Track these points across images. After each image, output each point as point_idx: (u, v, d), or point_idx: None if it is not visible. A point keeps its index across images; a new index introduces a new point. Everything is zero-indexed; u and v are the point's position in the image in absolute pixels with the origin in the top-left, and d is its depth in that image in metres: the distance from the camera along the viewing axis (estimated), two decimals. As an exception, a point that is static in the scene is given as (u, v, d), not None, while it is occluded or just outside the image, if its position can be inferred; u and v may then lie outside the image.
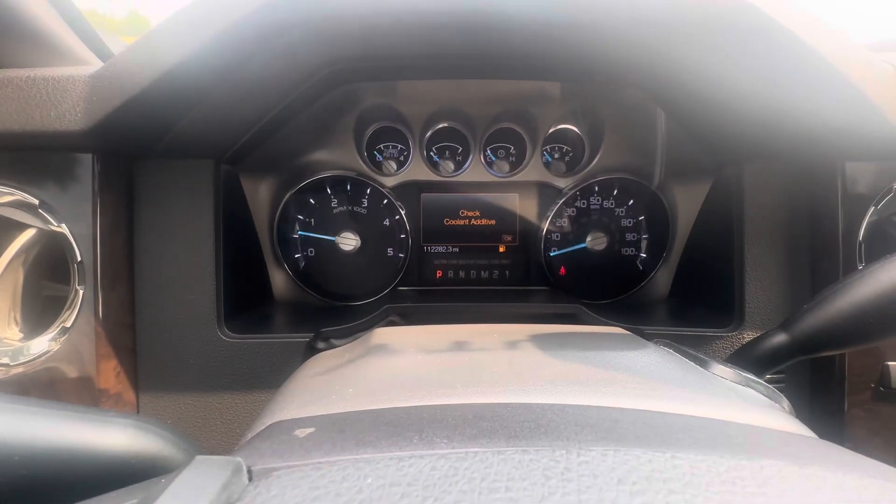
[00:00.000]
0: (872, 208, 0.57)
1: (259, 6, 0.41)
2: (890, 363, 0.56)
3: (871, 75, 0.49)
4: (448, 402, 0.27)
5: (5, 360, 0.52)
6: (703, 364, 0.39)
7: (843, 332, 0.39)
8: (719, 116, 0.57)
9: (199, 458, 0.19)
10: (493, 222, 0.78)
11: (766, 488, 0.18)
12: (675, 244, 0.76)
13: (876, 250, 0.57)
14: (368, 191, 0.75)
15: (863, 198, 0.56)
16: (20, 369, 0.51)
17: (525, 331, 0.43)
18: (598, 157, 0.73)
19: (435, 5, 0.41)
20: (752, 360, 0.43)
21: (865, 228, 0.57)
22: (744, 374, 0.37)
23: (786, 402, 0.36)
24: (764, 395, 0.36)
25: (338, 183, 0.74)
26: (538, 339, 0.41)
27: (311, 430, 0.24)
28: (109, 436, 0.27)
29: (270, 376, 0.57)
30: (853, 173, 0.56)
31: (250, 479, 0.18)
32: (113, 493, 0.21)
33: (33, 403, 0.26)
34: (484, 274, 0.79)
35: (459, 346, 0.39)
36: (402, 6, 0.41)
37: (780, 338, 0.42)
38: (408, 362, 0.35)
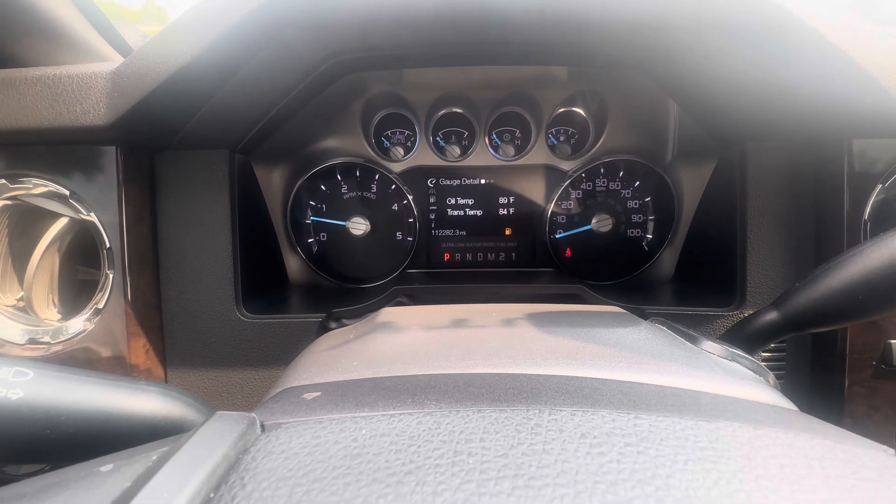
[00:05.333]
0: (880, 186, 0.56)
1: (261, 4, 0.43)
2: (892, 341, 0.56)
3: (875, 51, 0.48)
4: (442, 372, 0.29)
5: (46, 339, 0.56)
6: (692, 340, 0.40)
7: (832, 310, 0.40)
8: (722, 97, 0.57)
9: (220, 413, 0.22)
10: (499, 205, 0.79)
11: (717, 444, 0.19)
12: (680, 225, 0.76)
13: (882, 229, 0.56)
14: (377, 176, 0.77)
15: (870, 175, 0.56)
16: (59, 347, 0.56)
17: (524, 310, 0.46)
18: (602, 139, 0.74)
19: (428, 4, 0.42)
20: (745, 338, 0.45)
21: (872, 206, 0.56)
22: (732, 349, 0.39)
23: (771, 377, 0.38)
24: (749, 369, 0.37)
25: (347, 169, 0.76)
26: (535, 318, 0.43)
27: (318, 394, 0.26)
28: (141, 401, 0.31)
29: (285, 353, 0.61)
30: (860, 150, 0.56)
31: (262, 431, 0.21)
32: (147, 445, 0.24)
33: (79, 373, 0.29)
34: (490, 256, 0.80)
35: (459, 323, 0.42)
36: (398, 4, 0.43)
37: (771, 315, 0.43)
38: (409, 338, 0.38)
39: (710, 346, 0.39)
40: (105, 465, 0.20)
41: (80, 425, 0.28)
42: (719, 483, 0.17)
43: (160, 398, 0.32)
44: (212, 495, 0.16)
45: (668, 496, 0.15)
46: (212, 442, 0.19)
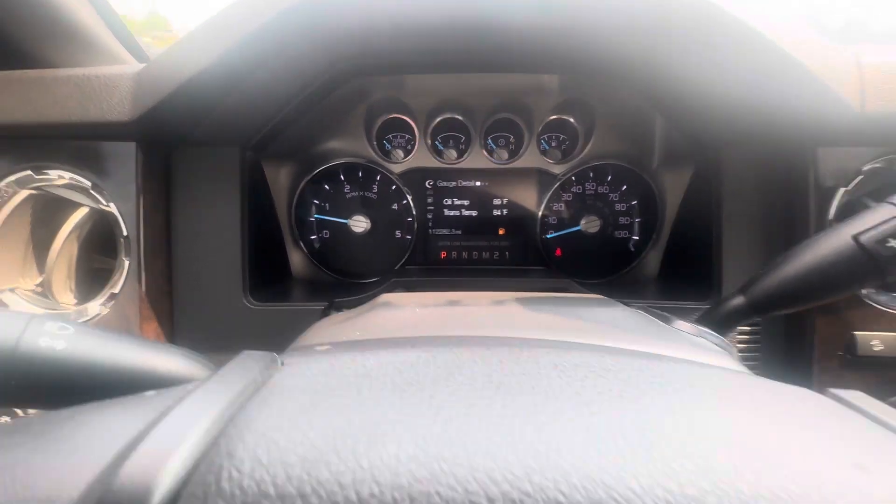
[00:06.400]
0: (843, 190, 0.61)
1: (270, 18, 0.48)
2: (857, 333, 0.60)
3: (833, 66, 0.53)
4: (438, 334, 0.33)
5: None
6: (665, 320, 0.44)
7: (790, 294, 0.44)
8: (695, 105, 0.62)
9: (245, 352, 0.26)
10: (493, 207, 0.84)
11: (661, 377, 0.23)
12: (664, 227, 0.81)
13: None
14: (378, 177, 0.81)
15: (834, 180, 0.61)
16: (77, 329, 0.59)
17: (513, 295, 0.50)
18: (590, 145, 0.78)
19: (428, 15, 0.47)
20: (716, 322, 0.49)
21: (836, 209, 0.61)
22: (700, 328, 0.43)
23: (734, 351, 0.42)
24: (714, 343, 0.41)
25: (350, 170, 0.81)
26: (521, 300, 0.47)
27: (328, 346, 0.30)
28: (167, 359, 0.34)
29: (288, 339, 0.64)
30: (825, 158, 0.60)
31: (282, 365, 0.24)
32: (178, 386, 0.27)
33: (112, 333, 0.33)
34: (485, 255, 0.85)
35: (452, 303, 0.46)
36: (399, 15, 0.48)
37: (737, 300, 0.47)
38: (407, 314, 0.42)
39: (681, 325, 0.43)
40: (149, 392, 0.24)
41: (112, 376, 0.32)
42: (660, 394, 0.21)
43: (184, 359, 0.35)
44: (241, 410, 0.20)
45: (618, 399, 0.19)
46: (240, 371, 0.23)
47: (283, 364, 0.25)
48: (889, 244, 0.40)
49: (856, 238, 0.41)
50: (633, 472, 0.15)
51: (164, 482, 0.15)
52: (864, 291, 0.60)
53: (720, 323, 0.48)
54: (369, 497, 0.15)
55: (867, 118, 0.55)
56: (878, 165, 0.59)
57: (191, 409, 0.19)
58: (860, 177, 0.60)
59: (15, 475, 0.18)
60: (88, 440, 0.20)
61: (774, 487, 0.15)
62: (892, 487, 0.16)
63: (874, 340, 0.59)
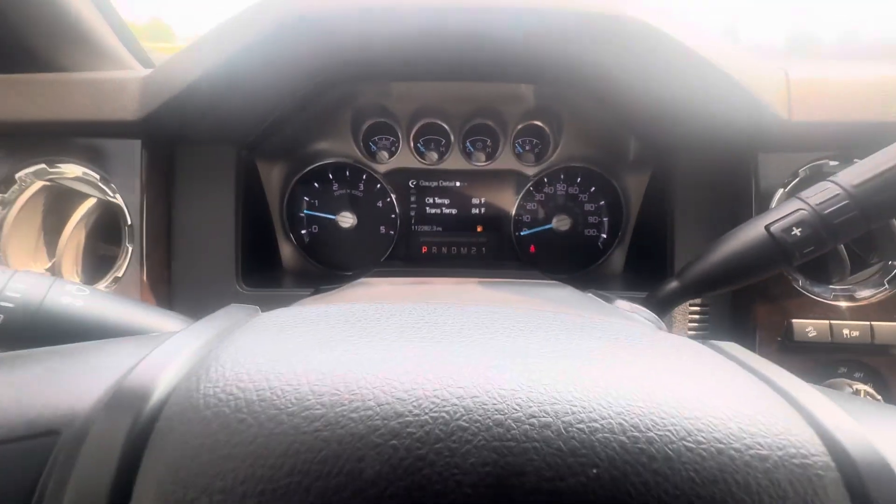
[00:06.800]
0: (781, 191, 0.67)
1: (265, 33, 0.55)
2: (794, 320, 0.66)
3: (763, 80, 0.60)
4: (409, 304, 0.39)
5: (71, 302, 0.65)
6: (608, 300, 0.50)
7: (714, 278, 0.50)
8: (647, 116, 0.69)
9: (232, 305, 0.32)
10: (471, 205, 0.90)
11: (575, 327, 0.29)
12: (628, 226, 0.87)
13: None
14: (364, 176, 0.87)
15: (773, 182, 0.67)
16: (82, 309, 0.65)
17: (476, 280, 0.56)
18: (559, 149, 0.85)
19: (412, 31, 0.54)
20: (655, 303, 0.55)
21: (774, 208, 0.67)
22: (635, 305, 0.49)
23: (662, 325, 0.48)
24: (646, 318, 0.48)
25: (338, 169, 0.87)
26: (483, 283, 0.53)
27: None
28: (168, 321, 0.40)
29: None
30: (764, 162, 0.67)
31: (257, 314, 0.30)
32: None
33: (123, 297, 0.39)
34: (463, 250, 0.91)
35: (420, 283, 0.52)
36: (385, 31, 0.55)
37: (673, 284, 0.53)
38: (377, 290, 0.48)
39: (620, 303, 0.49)
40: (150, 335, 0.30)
41: (120, 330, 0.37)
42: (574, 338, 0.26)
43: (180, 320, 0.41)
44: (222, 339, 0.25)
45: (544, 337, 0.25)
46: (225, 315, 0.29)
47: (257, 313, 0.30)
48: (793, 232, 0.46)
49: (767, 228, 0.47)
50: (526, 379, 0.20)
51: (160, 387, 0.21)
52: (800, 283, 0.66)
53: (659, 304, 0.54)
54: (312, 393, 0.20)
55: (795, 126, 0.62)
56: (809, 168, 0.66)
57: (183, 337, 0.25)
58: (796, 179, 0.67)
59: (42, 385, 0.24)
60: (100, 361, 0.26)
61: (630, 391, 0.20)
62: (715, 396, 0.21)
63: (809, 327, 0.65)
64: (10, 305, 0.34)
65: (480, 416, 0.18)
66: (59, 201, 0.69)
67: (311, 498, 0.17)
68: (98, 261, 0.72)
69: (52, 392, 0.22)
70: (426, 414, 0.18)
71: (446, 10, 0.53)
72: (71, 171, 0.66)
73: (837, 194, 0.44)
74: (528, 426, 0.18)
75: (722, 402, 0.20)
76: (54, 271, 0.67)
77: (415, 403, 0.18)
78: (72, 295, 0.36)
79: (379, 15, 0.53)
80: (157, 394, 0.20)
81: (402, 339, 0.24)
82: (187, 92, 0.60)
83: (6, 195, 0.65)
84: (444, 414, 0.18)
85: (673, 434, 0.18)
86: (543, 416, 0.18)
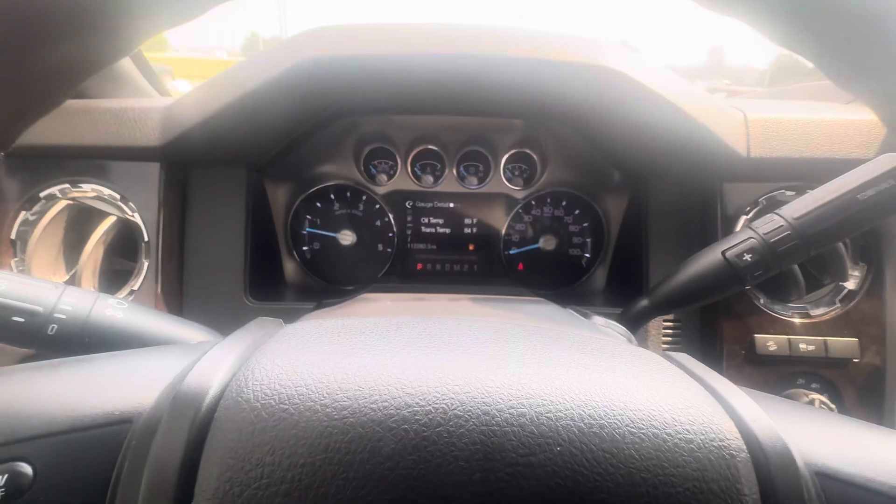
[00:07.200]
0: (743, 218, 0.74)
1: (279, 74, 0.61)
2: (756, 335, 0.73)
3: (725, 121, 0.68)
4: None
5: (88, 313, 0.70)
6: (586, 316, 0.56)
7: (679, 297, 0.57)
8: (623, 148, 0.76)
9: (259, 318, 0.37)
10: (464, 225, 0.96)
11: (554, 339, 0.35)
12: (609, 246, 0.94)
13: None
14: (364, 197, 0.93)
15: (736, 210, 0.74)
16: (99, 320, 0.69)
17: (468, 295, 0.61)
18: (546, 175, 0.92)
19: (411, 75, 0.61)
20: (628, 319, 0.61)
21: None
22: (610, 321, 0.55)
23: (633, 338, 0.54)
24: (618, 332, 0.54)
25: (340, 190, 0.93)
26: (474, 299, 0.59)
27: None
28: (193, 331, 0.45)
29: None
30: (728, 191, 0.74)
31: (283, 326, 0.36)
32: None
33: (158, 311, 0.44)
34: (456, 267, 0.97)
35: (418, 298, 0.57)
36: (388, 74, 0.61)
37: (644, 302, 0.60)
38: (380, 305, 0.53)
39: (596, 319, 0.55)
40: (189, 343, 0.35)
41: (156, 339, 0.43)
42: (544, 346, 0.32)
43: (206, 332, 0.46)
44: (257, 348, 0.30)
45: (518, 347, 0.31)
46: (256, 327, 0.34)
47: (283, 326, 0.36)
48: (744, 258, 0.53)
49: (723, 253, 0.54)
50: (508, 381, 0.26)
51: (214, 386, 0.26)
52: (761, 301, 0.73)
53: (632, 320, 0.61)
54: (340, 389, 0.25)
55: (754, 161, 0.69)
56: (767, 198, 0.73)
57: (227, 346, 0.30)
58: (757, 207, 0.74)
59: (112, 382, 0.29)
60: (156, 364, 0.31)
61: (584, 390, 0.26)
62: (656, 393, 0.25)
63: (770, 342, 0.71)
64: (64, 317, 0.39)
65: (471, 407, 0.24)
66: (79, 218, 0.74)
67: (341, 469, 0.22)
68: (112, 275, 0.77)
69: (123, 388, 0.28)
70: (429, 405, 0.24)
71: (447, 59, 0.60)
72: (92, 190, 0.71)
73: (781, 225, 0.51)
74: (508, 415, 0.24)
75: (661, 398, 0.26)
76: (74, 283, 0.71)
77: (420, 397, 0.24)
78: (114, 308, 0.41)
79: (387, 61, 0.59)
80: (212, 391, 0.25)
81: (408, 347, 0.29)
82: (206, 122, 0.66)
83: (31, 212, 0.70)
84: (443, 405, 0.24)
85: (619, 422, 0.24)
86: (520, 407, 0.24)
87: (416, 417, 0.23)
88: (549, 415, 0.24)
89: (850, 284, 0.71)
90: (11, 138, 0.25)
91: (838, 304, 0.72)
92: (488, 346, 0.30)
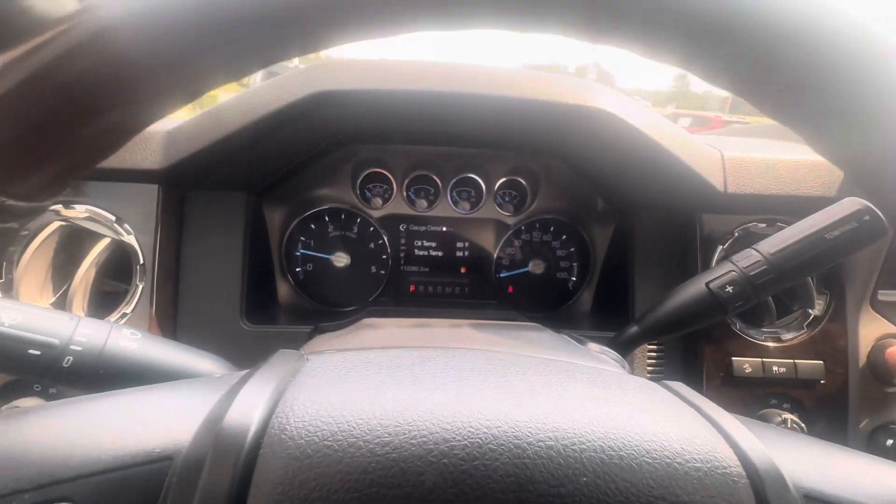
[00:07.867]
0: (720, 247, 0.80)
1: (283, 106, 0.63)
2: (733, 358, 0.77)
3: (703, 158, 0.73)
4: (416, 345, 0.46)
5: (78, 337, 0.68)
6: (580, 342, 0.59)
7: (667, 324, 0.61)
8: (609, 181, 0.81)
9: (281, 350, 0.38)
10: (456, 249, 0.99)
11: (556, 370, 0.37)
12: (595, 271, 0.98)
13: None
14: (359, 220, 0.95)
15: (714, 240, 0.79)
16: (89, 344, 0.68)
17: (467, 321, 0.64)
18: (536, 202, 0.96)
19: (410, 111, 0.64)
20: (619, 344, 0.64)
21: (715, 261, 0.79)
22: (604, 348, 0.58)
23: (626, 365, 0.57)
24: (612, 358, 0.56)
25: (335, 213, 0.94)
26: (474, 325, 0.61)
27: (334, 350, 0.43)
28: (205, 361, 0.46)
29: None
30: (707, 222, 0.80)
31: (307, 360, 0.37)
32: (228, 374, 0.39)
33: (168, 341, 0.44)
34: (448, 290, 0.99)
35: (422, 325, 0.59)
36: (387, 108, 0.64)
37: (633, 329, 0.63)
38: (387, 332, 0.55)
39: (591, 346, 0.58)
40: (217, 374, 0.36)
41: (168, 369, 0.43)
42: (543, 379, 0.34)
43: (216, 362, 0.47)
44: (289, 384, 0.32)
45: (517, 380, 0.33)
46: (281, 361, 0.35)
47: (307, 359, 0.37)
48: (726, 290, 0.57)
49: (707, 285, 0.58)
50: (513, 412, 0.28)
51: (255, 423, 0.27)
52: (738, 326, 0.78)
53: (623, 345, 0.64)
54: (380, 426, 0.27)
55: (730, 196, 0.75)
56: (741, 230, 0.79)
57: (258, 382, 0.31)
58: (732, 238, 0.80)
59: (147, 419, 0.29)
60: (187, 399, 0.31)
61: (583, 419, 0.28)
62: (666, 425, 0.28)
63: (745, 364, 0.76)
64: (80, 349, 0.39)
65: (504, 441, 0.26)
66: (70, 239, 0.73)
67: (387, 503, 0.24)
68: (102, 296, 0.75)
69: (160, 425, 0.28)
70: (466, 440, 0.26)
71: (445, 96, 0.64)
72: (86, 211, 0.70)
73: (759, 260, 0.56)
74: (537, 447, 0.26)
75: (669, 428, 0.29)
76: (63, 306, 0.70)
77: (457, 432, 0.26)
78: (127, 338, 0.42)
79: (393, 96, 0.62)
80: (254, 428, 0.26)
81: (436, 381, 0.31)
82: (211, 147, 0.66)
83: (22, 234, 0.68)
84: (478, 439, 0.26)
85: (636, 452, 0.27)
86: (548, 441, 0.26)
87: (455, 452, 0.25)
88: (573, 447, 0.26)
89: (816, 311, 0.77)
90: (44, 200, 0.26)
91: (805, 329, 0.77)
92: (508, 380, 0.32)
